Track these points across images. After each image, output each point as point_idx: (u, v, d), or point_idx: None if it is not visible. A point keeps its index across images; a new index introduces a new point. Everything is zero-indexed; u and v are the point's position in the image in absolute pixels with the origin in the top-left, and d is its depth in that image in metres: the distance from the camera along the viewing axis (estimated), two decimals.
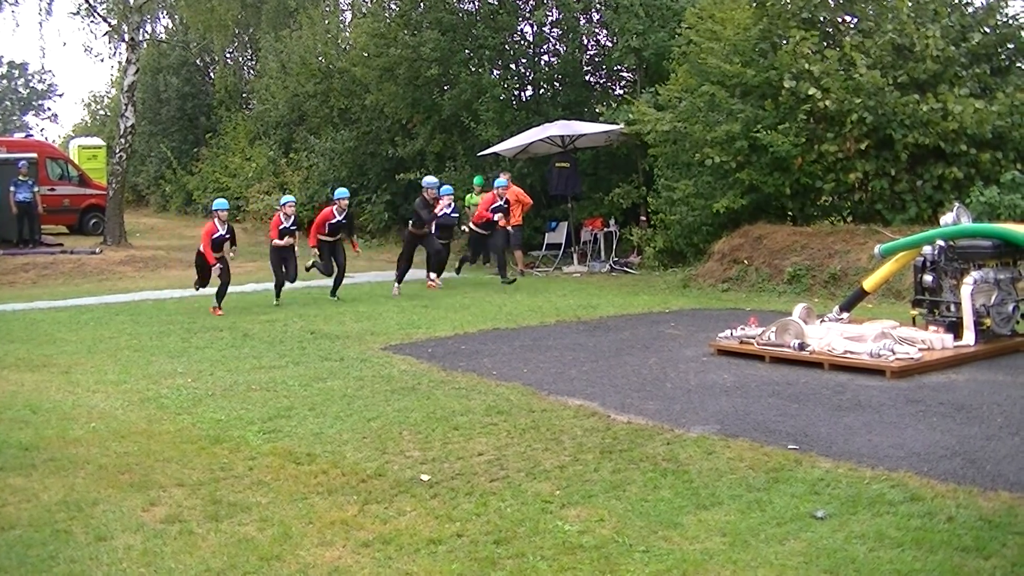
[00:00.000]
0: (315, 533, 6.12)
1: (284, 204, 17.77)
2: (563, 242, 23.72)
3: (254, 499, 6.78)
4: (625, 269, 21.75)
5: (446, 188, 19.88)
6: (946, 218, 12.42)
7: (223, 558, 5.76)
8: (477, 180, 23.78)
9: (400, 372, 11.02)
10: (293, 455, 7.80)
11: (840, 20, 20.07)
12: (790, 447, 7.65)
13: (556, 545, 5.82)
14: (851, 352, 10.69)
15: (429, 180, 19.71)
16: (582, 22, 26.47)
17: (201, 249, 16.70)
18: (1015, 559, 5.45)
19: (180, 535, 6.14)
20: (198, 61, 47.94)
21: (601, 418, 8.75)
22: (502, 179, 20.82)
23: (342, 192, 18.44)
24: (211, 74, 47.85)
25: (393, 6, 29.04)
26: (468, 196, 23.67)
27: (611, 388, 9.98)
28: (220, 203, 17.25)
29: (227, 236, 16.81)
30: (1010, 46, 19.35)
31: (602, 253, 23.23)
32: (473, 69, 26.33)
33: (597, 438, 8.07)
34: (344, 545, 5.93)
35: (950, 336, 11.29)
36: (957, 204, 12.91)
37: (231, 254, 17.02)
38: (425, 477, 7.15)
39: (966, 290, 11.39)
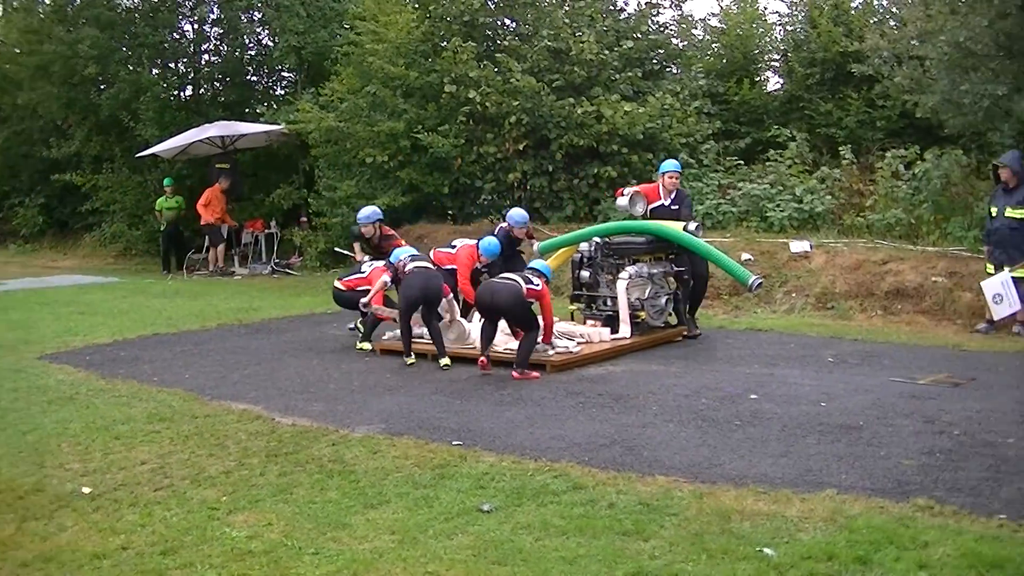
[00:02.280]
0: None
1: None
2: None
3: None
4: (287, 271, 21.44)
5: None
6: (621, 201, 12.70)
7: None
8: (167, 181, 23.25)
9: (57, 382, 10.45)
10: None
11: (500, 24, 20.54)
12: (455, 443, 7.73)
13: (225, 552, 5.71)
14: (511, 348, 10.88)
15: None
16: (244, 21, 25.95)
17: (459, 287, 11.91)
18: (672, 539, 5.69)
19: None
20: None
21: (266, 421, 8.60)
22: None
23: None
24: None
25: (47, 0, 27.54)
26: (160, 200, 23.11)
27: (275, 391, 9.84)
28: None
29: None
30: (661, 51, 20.45)
31: (263, 255, 22.78)
32: (132, 68, 25.32)
33: (262, 442, 7.94)
34: (1, 567, 5.60)
35: (607, 329, 11.73)
36: (632, 189, 13.08)
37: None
38: (86, 490, 6.84)
39: (621, 285, 11.85)
